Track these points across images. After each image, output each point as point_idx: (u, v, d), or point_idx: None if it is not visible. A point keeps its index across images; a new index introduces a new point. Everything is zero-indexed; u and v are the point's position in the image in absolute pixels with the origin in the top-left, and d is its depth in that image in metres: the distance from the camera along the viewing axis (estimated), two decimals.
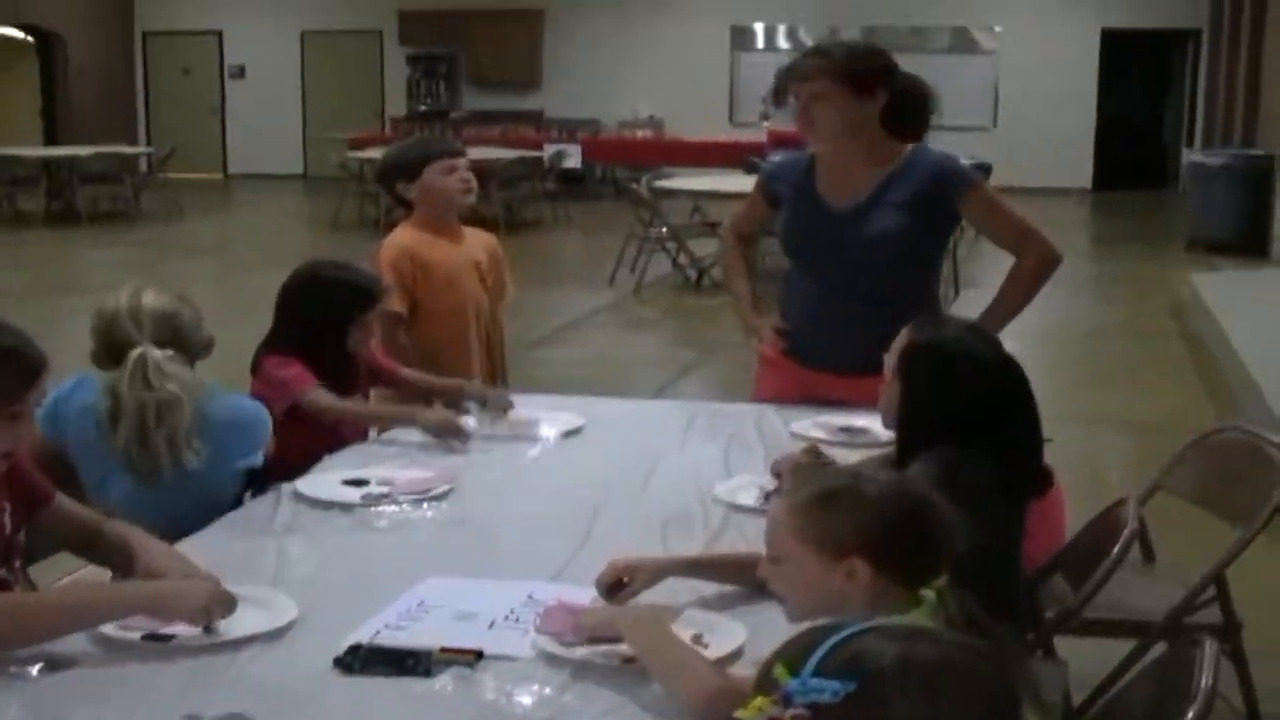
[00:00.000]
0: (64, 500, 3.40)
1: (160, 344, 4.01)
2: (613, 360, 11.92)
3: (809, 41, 25.88)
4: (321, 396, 4.62)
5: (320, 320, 4.77)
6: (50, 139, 27.74)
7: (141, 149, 25.79)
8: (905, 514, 2.67)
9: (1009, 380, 3.56)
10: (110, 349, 4.04)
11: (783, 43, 27.12)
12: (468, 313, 5.63)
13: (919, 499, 2.71)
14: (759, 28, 27.65)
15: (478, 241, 5.82)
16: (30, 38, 28.23)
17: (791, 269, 5.23)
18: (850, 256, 4.99)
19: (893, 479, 2.83)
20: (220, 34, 29.80)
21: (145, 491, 3.97)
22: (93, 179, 22.21)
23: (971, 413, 3.48)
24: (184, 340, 4.09)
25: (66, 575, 3.71)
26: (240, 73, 29.81)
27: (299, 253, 18.82)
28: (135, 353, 3.97)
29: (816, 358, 5.12)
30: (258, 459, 4.15)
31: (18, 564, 3.30)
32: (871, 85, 4.87)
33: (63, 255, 19.09)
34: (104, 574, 3.41)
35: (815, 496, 2.72)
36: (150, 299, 4.13)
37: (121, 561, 3.27)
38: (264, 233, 21.56)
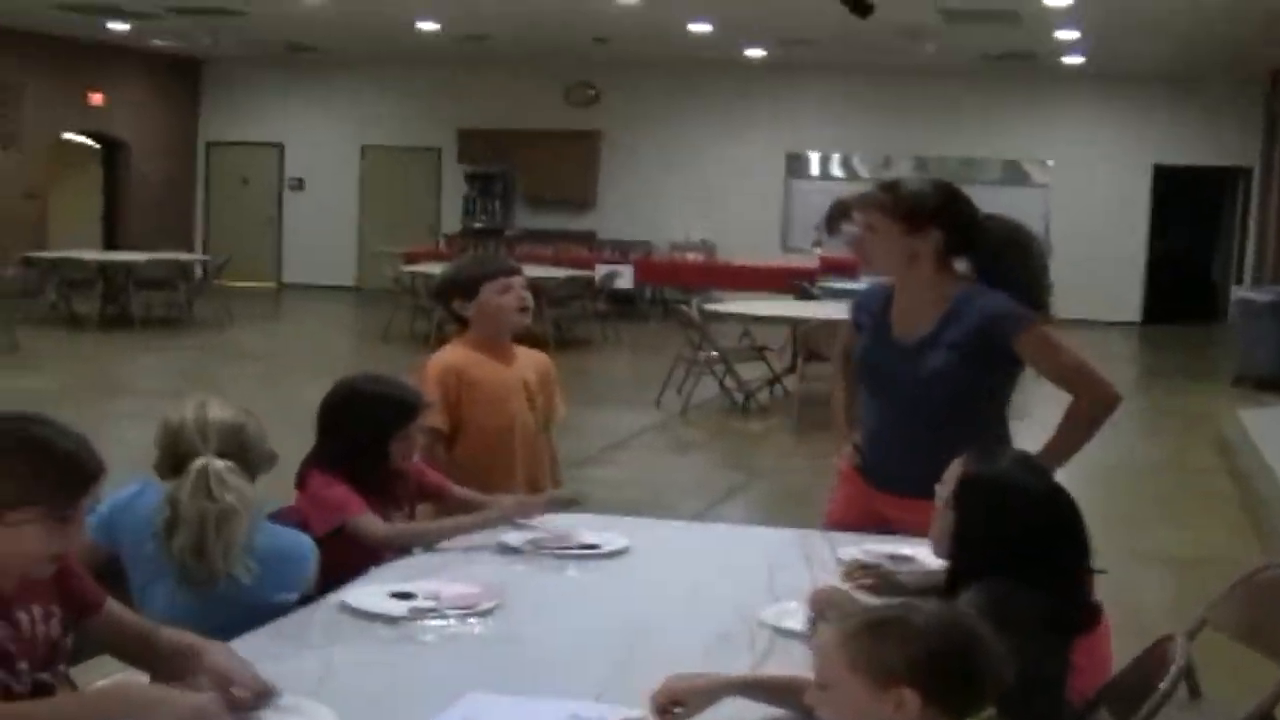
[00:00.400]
0: (114, 606, 3.39)
1: (223, 456, 4.01)
2: (657, 481, 11.90)
3: (863, 170, 26.20)
4: (371, 524, 4.60)
5: (361, 435, 4.77)
6: (110, 244, 28.07)
7: (198, 256, 26.06)
8: (955, 645, 2.67)
9: (1060, 512, 3.57)
10: (174, 459, 4.05)
11: (836, 171, 27.33)
12: (513, 432, 5.64)
13: (968, 630, 2.70)
14: (814, 156, 27.80)
15: (529, 361, 5.85)
16: (97, 144, 28.61)
17: (862, 390, 5.33)
18: (910, 390, 5.08)
19: (943, 609, 2.82)
20: (281, 146, 30.13)
21: (190, 599, 3.96)
22: (148, 284, 22.46)
23: (1023, 545, 3.48)
24: (247, 453, 4.09)
25: (104, 677, 3.64)
26: (299, 184, 30.08)
27: (348, 364, 19.12)
28: (198, 463, 3.97)
29: (881, 478, 5.18)
30: (293, 598, 4.11)
31: (62, 667, 3.28)
32: (923, 222, 4.97)
33: (115, 358, 19.28)
34: (143, 677, 3.39)
35: (866, 625, 2.72)
36: (216, 411, 4.15)
37: (178, 665, 3.26)
38: (314, 343, 21.69)
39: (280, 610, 3.98)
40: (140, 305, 22.18)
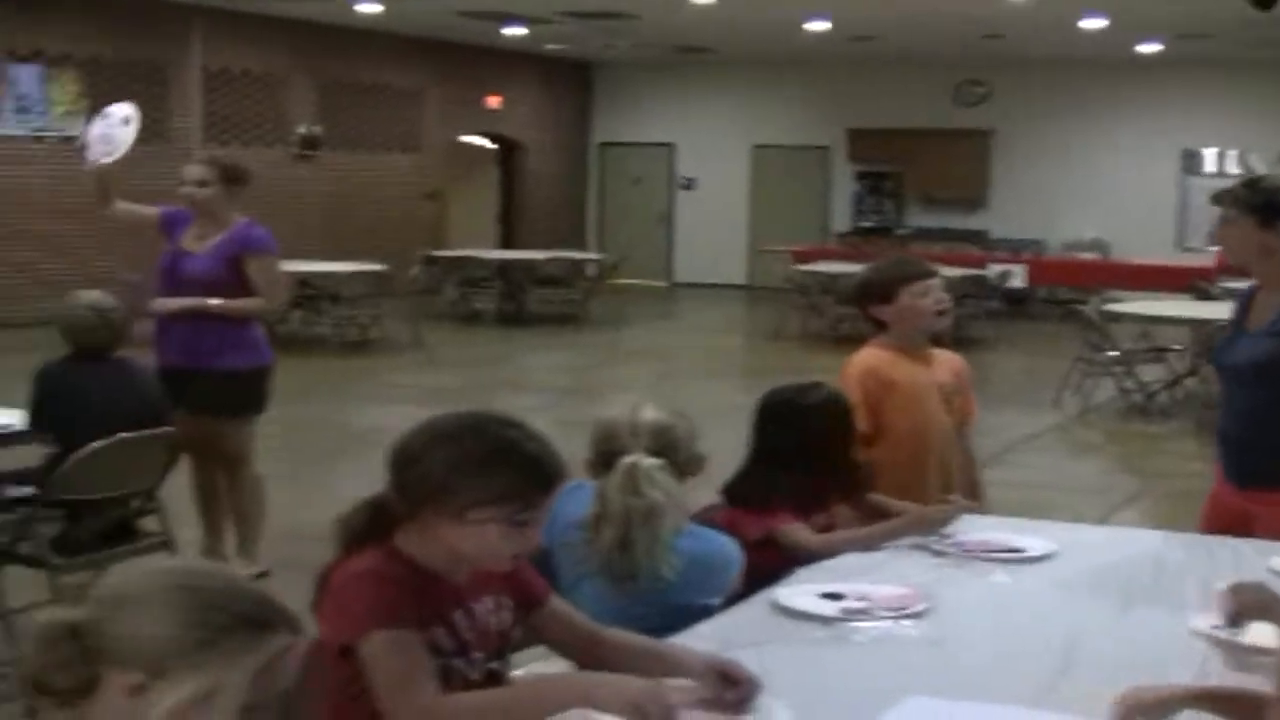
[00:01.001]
0: (557, 601, 3.46)
1: (653, 454, 4.06)
2: (1053, 485, 11.64)
3: (1260, 167, 25.25)
4: (800, 534, 4.63)
5: (797, 442, 4.83)
6: (505, 242, 28.80)
7: (591, 255, 26.48)
8: None
9: None
10: (606, 457, 4.10)
11: (1232, 168, 26.40)
12: (930, 435, 5.63)
13: None
14: (1209, 153, 26.99)
15: (944, 363, 5.83)
16: (495, 145, 29.39)
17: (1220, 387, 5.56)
18: (1250, 378, 5.22)
19: None
20: (673, 146, 30.49)
21: (616, 596, 4.01)
22: (544, 282, 22.94)
23: None
24: (676, 453, 4.12)
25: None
26: (690, 184, 30.43)
27: (738, 364, 19.39)
28: (627, 460, 4.02)
29: (1239, 475, 5.30)
30: (715, 603, 4.12)
31: (509, 657, 3.36)
32: (1275, 217, 5.12)
33: (512, 355, 19.72)
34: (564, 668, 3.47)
35: None
36: (649, 413, 4.20)
37: (623, 662, 3.31)
38: (706, 342, 21.81)
39: (703, 614, 4.00)
40: (537, 303, 22.66)
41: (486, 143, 29.22)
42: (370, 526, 3.19)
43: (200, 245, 7.89)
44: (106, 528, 6.74)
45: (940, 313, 5.70)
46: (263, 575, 7.86)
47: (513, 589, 3.33)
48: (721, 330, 23.67)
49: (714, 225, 29.98)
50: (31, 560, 6.48)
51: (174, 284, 7.89)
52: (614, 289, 23.71)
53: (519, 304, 22.83)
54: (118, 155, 8.06)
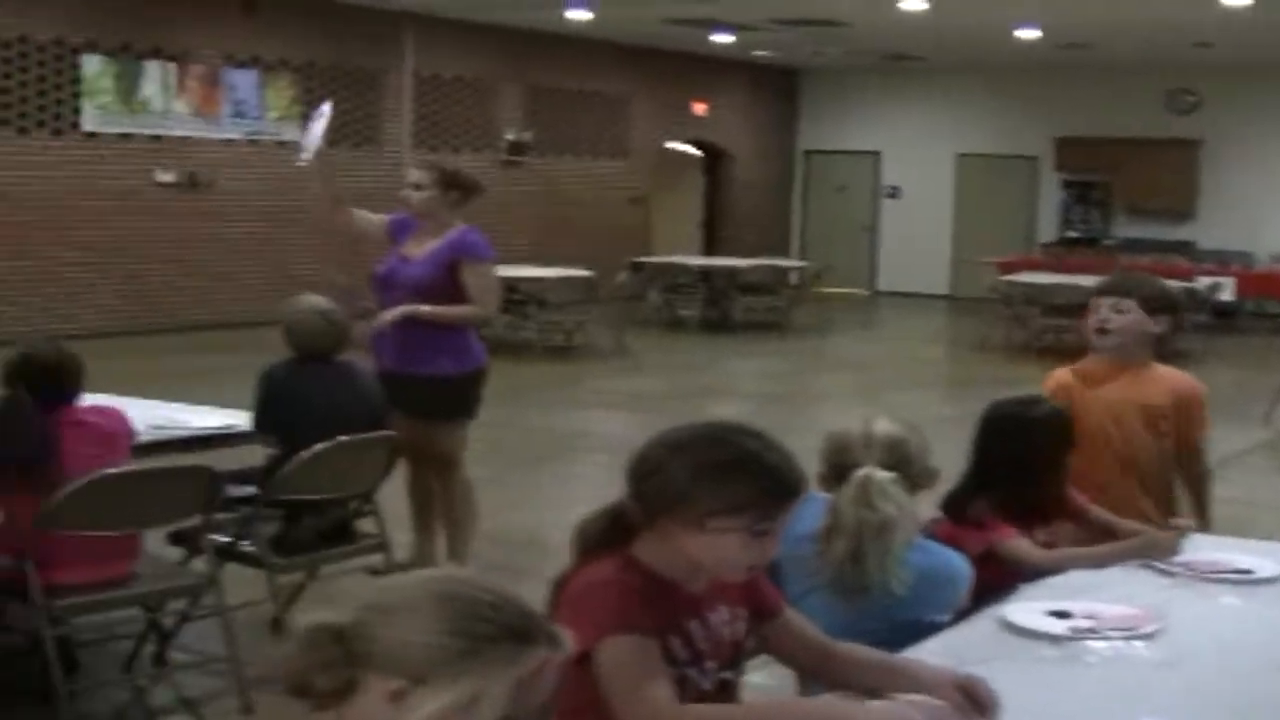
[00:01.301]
0: (791, 613, 3.46)
1: (886, 468, 4.04)
2: (1264, 503, 11.33)
3: None
4: (1023, 548, 4.60)
5: (1018, 458, 4.81)
6: (708, 249, 28.85)
7: (795, 262, 26.39)
8: None
9: None
10: (838, 470, 4.10)
11: None
12: (1123, 453, 5.58)
13: None
14: None
15: (1163, 383, 5.74)
16: (701, 153, 29.48)
17: None
18: None
19: None
20: (878, 155, 30.39)
21: (844, 610, 3.99)
22: (748, 289, 22.82)
23: None
24: (909, 467, 4.11)
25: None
26: (894, 192, 30.29)
27: (941, 375, 19.27)
28: (859, 473, 4.02)
29: None
30: (944, 619, 4.11)
31: (742, 667, 3.37)
32: None
33: (716, 362, 19.68)
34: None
35: None
36: (882, 426, 4.19)
37: (857, 676, 3.32)
38: (908, 352, 21.65)
39: (930, 630, 3.98)
40: (740, 310, 22.62)
41: (692, 149, 29.30)
42: (608, 535, 3.21)
43: (419, 251, 7.98)
44: (325, 528, 6.85)
45: (1099, 331, 5.63)
46: None
47: (747, 599, 3.33)
48: (924, 340, 23.53)
49: (918, 234, 29.78)
50: (251, 559, 6.60)
51: (391, 289, 7.96)
52: (816, 297, 23.56)
53: (723, 311, 22.79)
54: (308, 155, 8.11)
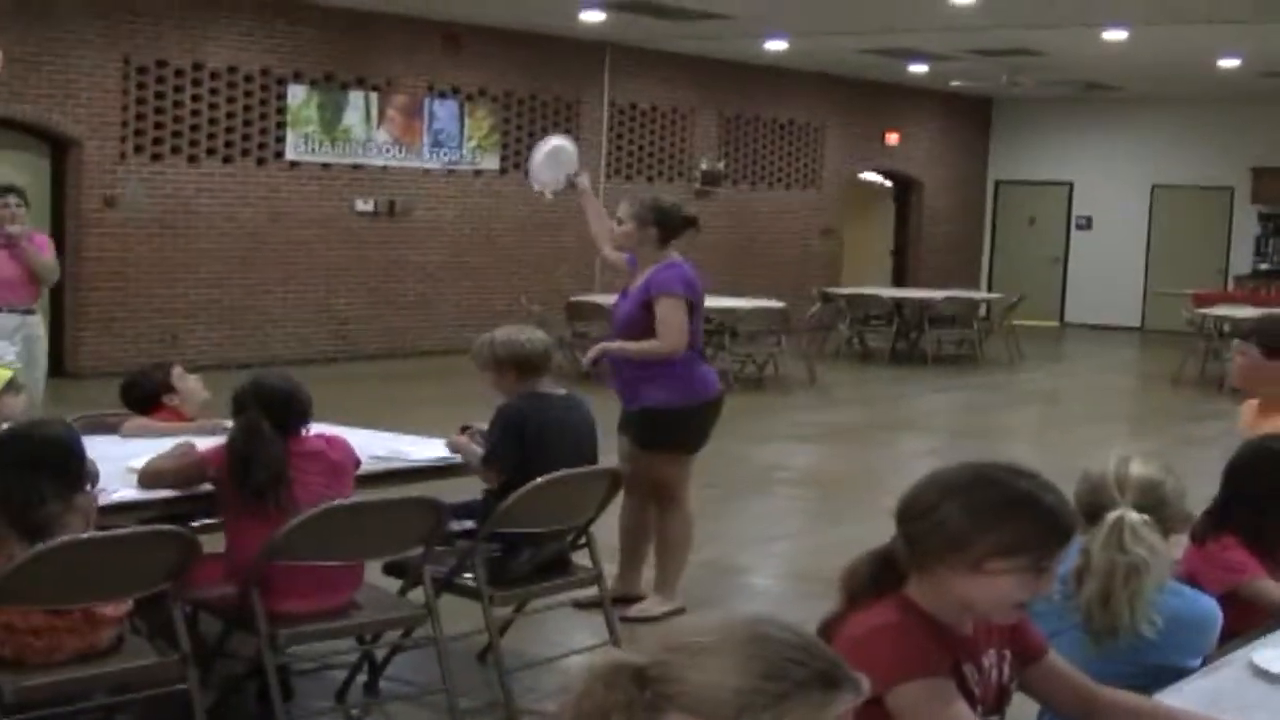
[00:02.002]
0: (1054, 656, 3.45)
1: (1140, 510, 3.99)
2: None
3: None
4: (1269, 588, 4.54)
5: (1271, 497, 4.73)
6: (897, 279, 28.74)
7: (985, 294, 26.14)
8: None
9: None
10: (1091, 510, 4.04)
11: None
12: None
13: None
14: None
15: None
16: (889, 183, 29.32)
17: None
18: None
19: None
20: (1071, 185, 30.07)
21: (1093, 652, 3.93)
22: (939, 321, 22.66)
23: None
24: (1163, 509, 4.06)
25: None
26: (1087, 223, 29.97)
27: (1134, 409, 18.90)
28: (1112, 515, 3.97)
29: None
30: (1195, 664, 4.03)
31: (1006, 712, 3.37)
32: None
33: (906, 394, 19.47)
34: None
35: None
36: (1137, 467, 4.13)
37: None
38: (1100, 385, 21.45)
39: (1180, 674, 3.91)
40: (932, 342, 22.46)
41: (883, 179, 29.13)
42: (877, 579, 3.23)
43: (632, 286, 8.15)
44: (542, 560, 6.88)
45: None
46: (677, 612, 8.01)
47: (1013, 642, 3.34)
48: (1117, 372, 23.28)
49: (1109, 265, 29.44)
50: (468, 590, 6.64)
51: (611, 324, 8.33)
52: (1006, 329, 23.21)
53: (914, 343, 22.70)
54: (554, 188, 8.59)
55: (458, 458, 7.00)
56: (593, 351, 8.13)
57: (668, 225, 8.09)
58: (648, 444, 8.08)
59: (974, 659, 3.21)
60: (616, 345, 8.03)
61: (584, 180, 9.01)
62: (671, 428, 8.09)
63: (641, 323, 7.95)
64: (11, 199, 10.94)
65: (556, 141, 9.22)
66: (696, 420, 8.16)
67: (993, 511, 3.10)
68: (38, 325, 11.13)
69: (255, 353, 18.03)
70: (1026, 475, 3.18)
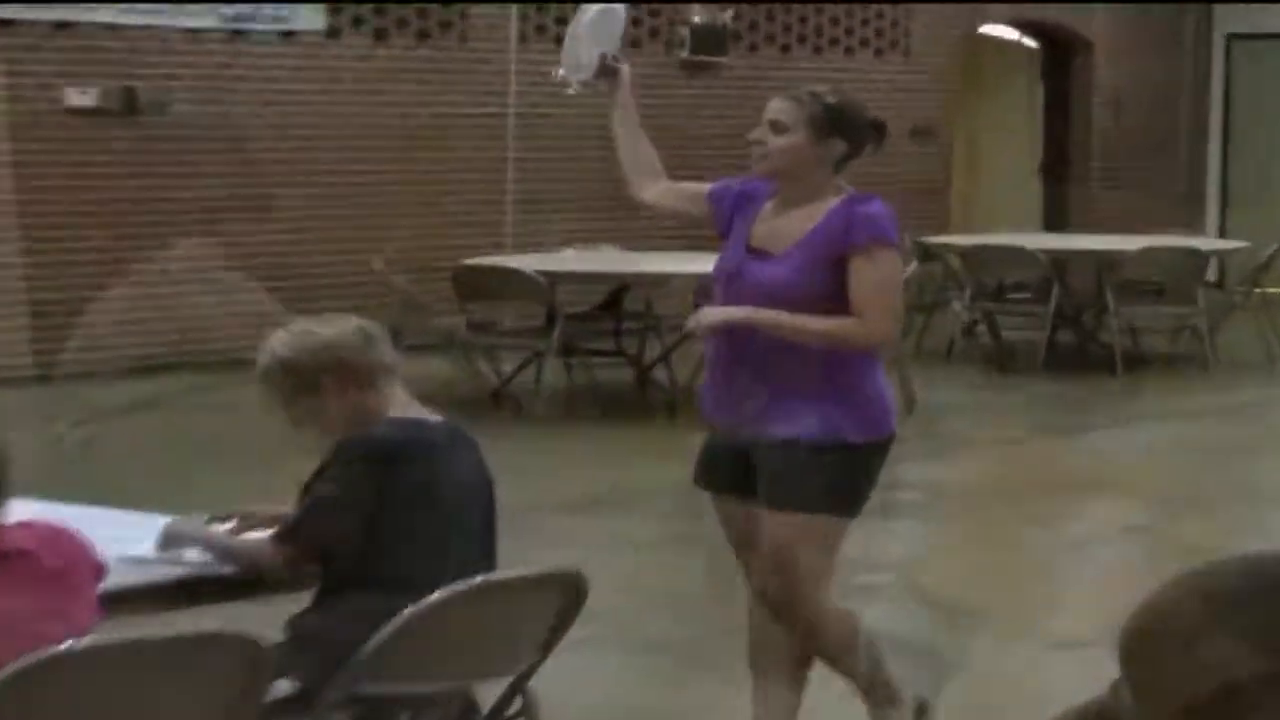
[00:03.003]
0: None
1: None
2: None
3: None
4: None
5: None
6: (1052, 220, 21.95)
7: (1215, 243, 19.98)
8: None
9: None
10: None
11: None
12: None
13: None
14: None
15: None
16: (1034, 43, 22.29)
17: None
18: None
19: None
20: None
21: None
22: (1136, 293, 17.30)
23: None
24: None
25: None
26: None
27: None
28: None
29: None
30: None
31: None
32: None
33: (1074, 428, 14.91)
34: None
35: None
36: None
37: None
38: None
39: None
40: (1122, 332, 16.59)
41: (1023, 37, 22.14)
42: None
43: (778, 238, 5.82)
44: None
45: None
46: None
47: None
48: None
49: None
50: None
51: (738, 298, 5.89)
52: (1254, 304, 16.66)
53: (1087, 333, 17.38)
54: (583, 75, 6.21)
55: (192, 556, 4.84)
56: (716, 315, 5.74)
57: (857, 138, 5.83)
58: (806, 501, 5.73)
59: None
60: (771, 315, 5.60)
61: (625, 69, 6.45)
62: (852, 474, 5.80)
63: (809, 295, 5.62)
64: None
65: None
66: (877, 464, 6.00)
67: None
68: None
69: None
70: None
